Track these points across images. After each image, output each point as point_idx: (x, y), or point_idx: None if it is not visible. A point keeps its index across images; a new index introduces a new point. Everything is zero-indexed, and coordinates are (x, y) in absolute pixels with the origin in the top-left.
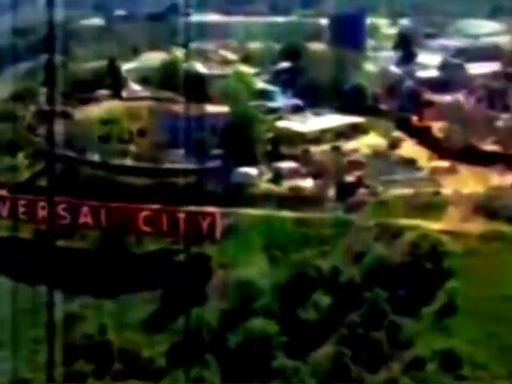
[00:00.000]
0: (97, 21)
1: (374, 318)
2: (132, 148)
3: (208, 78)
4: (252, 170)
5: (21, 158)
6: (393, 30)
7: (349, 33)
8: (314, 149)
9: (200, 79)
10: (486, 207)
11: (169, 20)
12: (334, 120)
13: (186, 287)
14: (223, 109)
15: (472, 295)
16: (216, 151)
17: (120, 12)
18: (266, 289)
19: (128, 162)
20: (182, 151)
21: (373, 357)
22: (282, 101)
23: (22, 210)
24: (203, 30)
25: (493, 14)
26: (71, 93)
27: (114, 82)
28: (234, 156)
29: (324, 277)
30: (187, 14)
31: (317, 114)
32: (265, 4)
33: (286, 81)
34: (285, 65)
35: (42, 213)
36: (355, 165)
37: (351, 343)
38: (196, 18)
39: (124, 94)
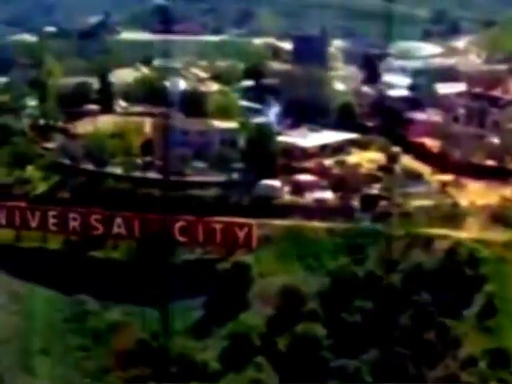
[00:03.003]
0: (27, 37)
1: (423, 320)
2: (154, 161)
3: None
4: (275, 183)
5: (31, 171)
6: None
7: (314, 53)
8: (328, 162)
9: (197, 96)
10: (501, 217)
11: (99, 37)
12: (332, 136)
13: (228, 294)
14: (231, 124)
15: (508, 298)
16: (237, 165)
17: (50, 28)
18: (310, 294)
19: (151, 174)
20: (203, 164)
21: (428, 356)
22: (266, 117)
23: (52, 221)
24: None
25: (423, 37)
26: (57, 107)
27: (105, 96)
28: (255, 169)
29: (362, 283)
30: (117, 32)
31: (313, 130)
32: (196, 23)
33: (254, 98)
34: (250, 83)
35: (73, 224)
36: (372, 178)
37: (404, 344)
38: (125, 35)
39: (117, 108)
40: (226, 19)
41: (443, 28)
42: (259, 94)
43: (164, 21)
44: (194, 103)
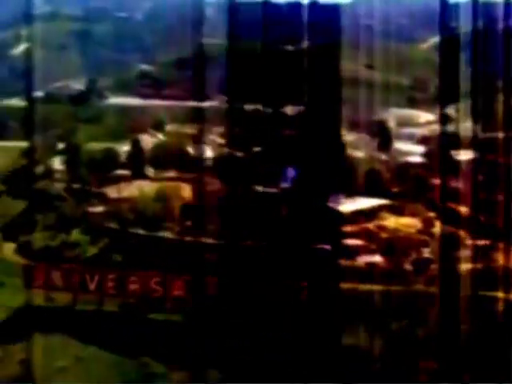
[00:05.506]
0: (15, 101)
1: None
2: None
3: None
4: (327, 247)
5: (76, 234)
6: None
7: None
8: (371, 227)
9: (232, 161)
10: None
11: (90, 102)
12: (366, 202)
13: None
14: (272, 189)
15: None
16: (285, 228)
17: (39, 93)
18: (374, 356)
19: (202, 239)
20: (255, 229)
21: None
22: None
23: (110, 283)
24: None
25: (408, 104)
26: (87, 173)
27: (137, 162)
28: (305, 233)
29: (425, 344)
30: (105, 97)
31: (346, 196)
32: (182, 89)
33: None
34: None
35: (132, 287)
36: (420, 242)
37: None
38: (114, 100)
39: (149, 174)
40: (212, 85)
41: (427, 95)
42: (272, 160)
43: (151, 86)
44: (228, 168)
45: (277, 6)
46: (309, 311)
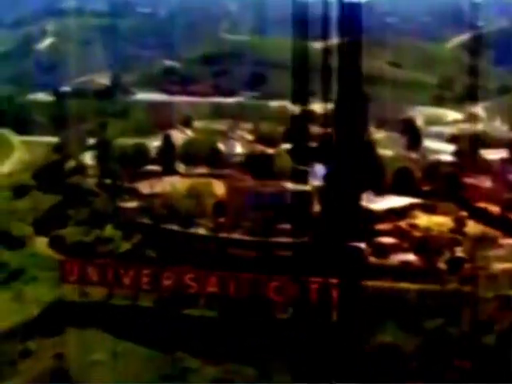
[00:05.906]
0: (42, 96)
1: None
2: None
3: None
4: (361, 244)
5: (110, 230)
6: None
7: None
8: (403, 225)
9: (263, 158)
10: None
11: (116, 97)
12: (397, 200)
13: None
14: (305, 186)
15: None
16: (319, 226)
17: (66, 88)
18: (410, 354)
19: (236, 235)
20: (288, 226)
21: None
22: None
23: (145, 279)
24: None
25: (435, 102)
26: (118, 168)
27: (168, 158)
28: (337, 231)
29: (458, 344)
30: (132, 93)
31: (377, 195)
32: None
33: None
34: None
35: (166, 282)
36: (454, 241)
37: None
38: (140, 96)
39: (180, 170)
40: (237, 81)
41: (453, 94)
42: (301, 157)
43: (176, 82)
44: (260, 165)
45: (304, 4)
46: (342, 309)
